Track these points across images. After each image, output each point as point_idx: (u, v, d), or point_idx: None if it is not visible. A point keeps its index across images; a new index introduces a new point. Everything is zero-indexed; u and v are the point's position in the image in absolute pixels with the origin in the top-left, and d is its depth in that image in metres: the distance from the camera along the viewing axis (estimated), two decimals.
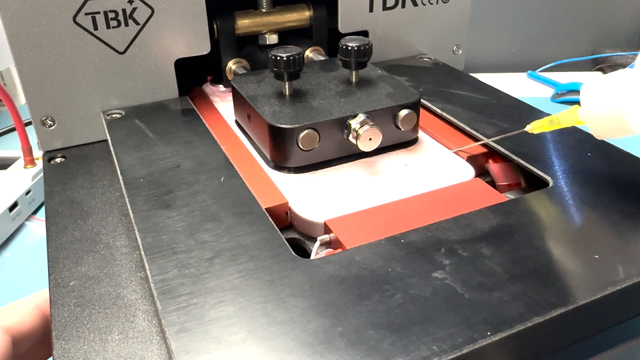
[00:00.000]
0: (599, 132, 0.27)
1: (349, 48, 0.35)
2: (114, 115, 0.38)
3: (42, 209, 0.58)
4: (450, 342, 0.20)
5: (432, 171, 0.32)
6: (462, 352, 0.19)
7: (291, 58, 0.33)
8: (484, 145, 0.34)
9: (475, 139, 0.35)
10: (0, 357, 0.27)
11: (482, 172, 0.34)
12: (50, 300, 0.26)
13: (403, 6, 0.46)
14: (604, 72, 0.85)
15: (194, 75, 0.44)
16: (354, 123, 0.32)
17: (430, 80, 0.43)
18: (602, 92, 0.26)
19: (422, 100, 0.37)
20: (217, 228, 0.26)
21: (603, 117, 0.26)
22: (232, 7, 0.42)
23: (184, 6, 0.39)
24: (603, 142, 0.32)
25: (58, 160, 0.38)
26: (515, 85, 0.85)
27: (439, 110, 0.38)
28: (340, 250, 0.26)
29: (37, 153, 0.60)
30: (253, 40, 0.44)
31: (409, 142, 0.35)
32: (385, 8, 0.46)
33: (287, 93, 0.35)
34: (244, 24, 0.42)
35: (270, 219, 0.27)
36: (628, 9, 0.89)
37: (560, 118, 0.29)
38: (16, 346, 0.30)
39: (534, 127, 0.30)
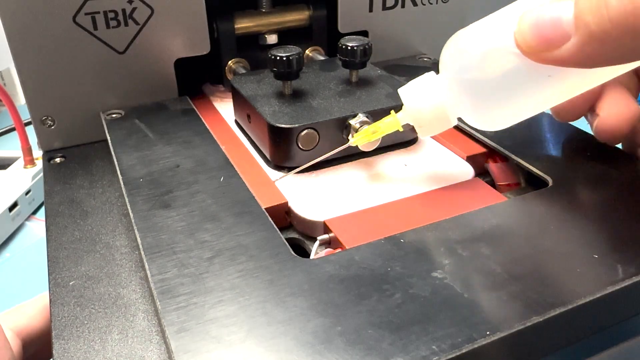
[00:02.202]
0: (421, 129, 0.29)
1: (349, 48, 0.35)
2: (113, 115, 0.38)
3: (42, 209, 0.58)
4: (450, 341, 0.20)
5: (432, 171, 0.32)
6: (462, 351, 0.19)
7: (291, 58, 0.33)
8: (483, 145, 0.34)
9: (474, 138, 0.35)
10: None
11: (481, 172, 0.34)
12: (50, 299, 0.26)
13: (403, 6, 0.46)
14: None
15: (193, 75, 0.44)
16: (354, 123, 0.32)
17: None
18: (422, 92, 0.28)
19: None
20: (217, 228, 0.26)
21: (424, 113, 0.28)
22: (232, 7, 0.42)
23: (183, 6, 0.39)
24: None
25: (58, 160, 0.38)
26: None
27: None
28: (339, 250, 0.26)
29: (37, 153, 0.60)
30: (253, 40, 0.44)
31: (409, 142, 0.35)
32: (385, 8, 0.46)
33: (287, 93, 0.35)
34: (244, 24, 0.42)
35: (270, 219, 0.27)
36: None
37: (383, 126, 0.30)
38: (26, 348, 0.30)
39: (357, 140, 0.31)
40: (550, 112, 0.32)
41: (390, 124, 0.30)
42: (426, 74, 0.29)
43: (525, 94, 0.25)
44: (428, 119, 0.29)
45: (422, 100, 0.28)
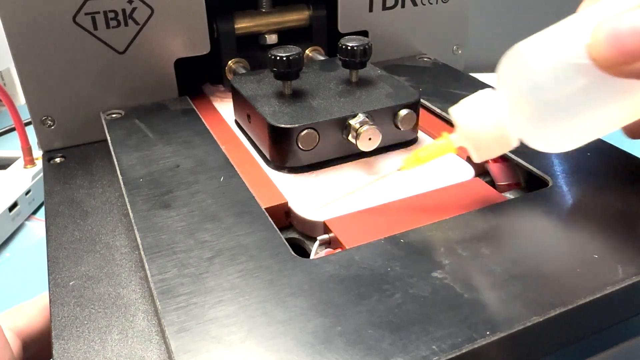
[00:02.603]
0: (479, 152, 0.27)
1: (349, 48, 0.35)
2: (113, 115, 0.38)
3: (42, 209, 0.58)
4: (450, 341, 0.20)
5: (432, 171, 0.32)
6: (462, 351, 0.19)
7: (291, 58, 0.33)
8: None
9: None
10: None
11: (481, 172, 0.34)
12: (50, 299, 0.26)
13: (403, 6, 0.46)
14: None
15: (193, 75, 0.44)
16: (354, 123, 0.32)
17: (430, 80, 0.43)
18: (479, 111, 0.26)
19: (421, 100, 0.37)
20: (217, 228, 0.26)
21: (483, 134, 0.26)
22: (231, 7, 0.42)
23: (183, 6, 0.39)
24: (603, 142, 0.32)
25: (58, 160, 0.38)
26: None
27: (438, 110, 0.38)
28: (339, 250, 0.26)
29: (37, 153, 0.60)
30: (253, 40, 0.44)
31: (409, 142, 0.35)
32: (385, 8, 0.46)
33: (287, 93, 0.35)
34: (244, 24, 0.42)
35: (270, 219, 0.27)
36: None
37: (434, 150, 0.28)
38: (26, 349, 0.30)
39: (405, 165, 0.28)
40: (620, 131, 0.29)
41: (443, 146, 0.28)
42: (481, 92, 0.27)
43: (597, 112, 0.23)
44: (486, 141, 0.26)
45: (479, 120, 0.26)
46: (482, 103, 0.26)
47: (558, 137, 0.25)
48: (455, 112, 0.27)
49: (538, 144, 0.25)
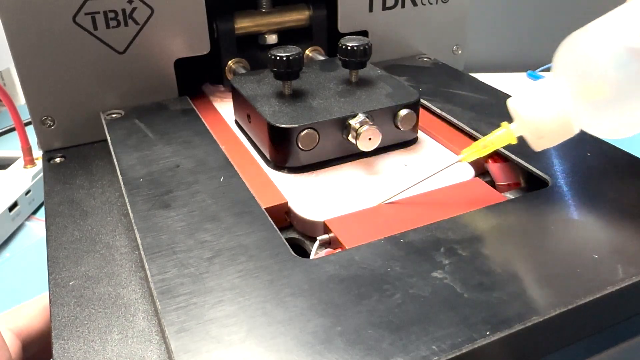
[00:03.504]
0: (540, 141, 0.27)
1: (349, 48, 0.35)
2: (113, 115, 0.38)
3: (42, 209, 0.58)
4: (450, 341, 0.20)
5: (431, 171, 0.32)
6: (462, 351, 0.19)
7: (291, 58, 0.33)
8: None
9: (475, 138, 0.35)
10: None
11: (481, 172, 0.34)
12: (50, 300, 0.26)
13: (403, 6, 0.46)
14: None
15: (193, 75, 0.44)
16: (354, 123, 0.32)
17: (430, 80, 0.43)
18: (541, 100, 0.26)
19: (421, 100, 0.37)
20: (217, 228, 0.26)
21: (546, 123, 0.26)
22: (231, 7, 0.42)
23: (183, 6, 0.39)
24: (603, 142, 0.32)
25: (58, 160, 0.38)
26: (515, 85, 0.85)
27: (438, 110, 0.38)
28: (339, 250, 0.26)
29: (37, 153, 0.60)
30: (253, 40, 0.44)
31: (409, 142, 0.35)
32: (385, 8, 0.46)
33: (287, 93, 0.35)
34: (244, 24, 0.42)
35: (270, 219, 0.27)
36: None
37: (495, 140, 0.28)
38: (26, 349, 0.30)
39: (466, 156, 0.29)
40: None
41: (503, 136, 0.28)
42: (541, 81, 0.27)
43: None
44: (549, 130, 0.26)
45: (541, 109, 0.26)
46: (543, 92, 0.26)
47: (619, 123, 0.25)
48: (514, 102, 0.27)
49: (597, 131, 0.26)
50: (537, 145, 0.27)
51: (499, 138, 0.28)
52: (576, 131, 0.27)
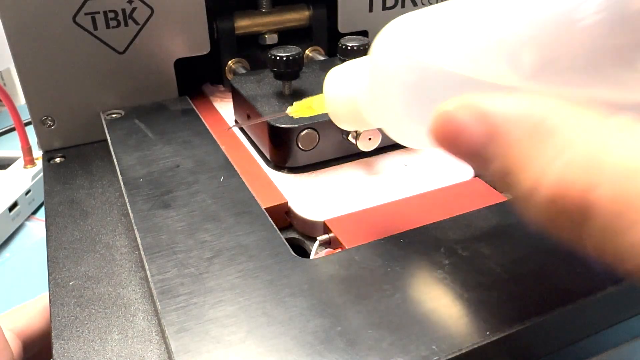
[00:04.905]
0: (336, 119, 0.25)
1: (349, 48, 0.35)
2: (113, 115, 0.38)
3: (42, 209, 0.58)
4: (450, 341, 0.20)
5: (431, 171, 0.32)
6: (462, 351, 0.19)
7: (291, 58, 0.33)
8: None
9: None
10: None
11: None
12: (50, 300, 0.26)
13: (403, 6, 0.46)
14: None
15: (193, 75, 0.44)
16: None
17: None
18: (341, 78, 0.24)
19: None
20: (217, 228, 0.26)
21: (340, 102, 0.24)
22: (231, 7, 0.42)
23: (183, 6, 0.39)
24: None
25: (58, 160, 0.38)
26: None
27: None
28: (339, 250, 0.26)
29: (37, 153, 0.60)
30: (253, 40, 0.44)
31: None
32: (385, 8, 0.46)
33: (287, 93, 0.35)
34: (244, 24, 0.42)
35: (270, 219, 0.27)
36: None
37: (314, 103, 0.26)
38: (26, 349, 0.30)
39: (292, 111, 0.27)
40: None
41: (321, 103, 0.26)
42: (357, 60, 0.25)
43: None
44: (342, 111, 0.25)
45: (336, 88, 0.24)
46: (348, 71, 0.24)
47: (406, 132, 0.23)
48: (329, 73, 0.25)
49: (391, 134, 0.23)
50: (337, 122, 0.26)
51: (319, 103, 0.26)
52: (374, 125, 0.24)
